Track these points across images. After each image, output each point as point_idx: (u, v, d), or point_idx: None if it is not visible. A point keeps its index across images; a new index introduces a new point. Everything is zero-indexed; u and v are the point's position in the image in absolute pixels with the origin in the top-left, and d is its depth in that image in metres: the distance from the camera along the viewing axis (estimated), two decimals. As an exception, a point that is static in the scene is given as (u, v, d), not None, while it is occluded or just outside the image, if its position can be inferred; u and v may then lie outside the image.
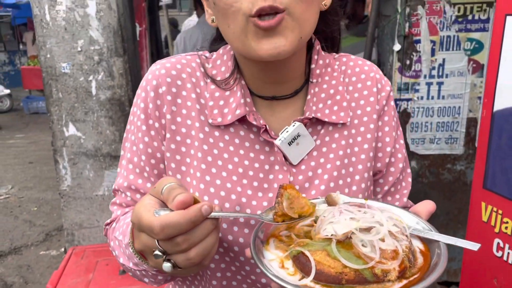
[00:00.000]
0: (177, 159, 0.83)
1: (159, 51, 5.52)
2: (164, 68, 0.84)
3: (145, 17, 4.27)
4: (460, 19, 2.49)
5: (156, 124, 0.84)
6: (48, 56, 2.76)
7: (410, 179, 0.96)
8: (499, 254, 1.49)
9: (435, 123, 2.67)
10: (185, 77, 0.85)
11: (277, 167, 0.83)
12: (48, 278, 3.16)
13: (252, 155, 0.83)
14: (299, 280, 0.59)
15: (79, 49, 2.74)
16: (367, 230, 0.61)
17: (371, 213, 0.64)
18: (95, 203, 3.03)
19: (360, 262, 0.57)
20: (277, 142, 0.81)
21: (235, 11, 0.71)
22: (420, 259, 0.62)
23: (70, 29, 2.71)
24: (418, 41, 2.54)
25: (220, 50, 0.90)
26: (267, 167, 0.83)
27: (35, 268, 3.69)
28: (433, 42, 2.53)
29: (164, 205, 0.62)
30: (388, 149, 0.90)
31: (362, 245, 0.59)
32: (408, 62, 2.58)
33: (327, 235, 0.61)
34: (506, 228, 1.46)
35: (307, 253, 0.59)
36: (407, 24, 2.52)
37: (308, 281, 0.58)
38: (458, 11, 2.47)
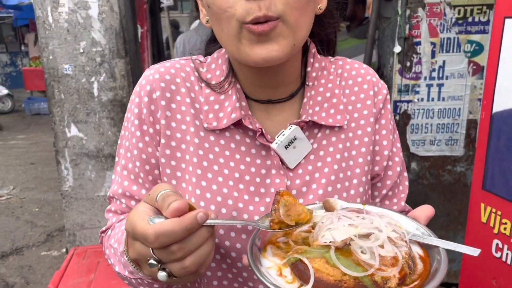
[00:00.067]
0: (172, 165, 0.82)
1: (160, 53, 5.53)
2: (158, 73, 0.83)
3: (146, 19, 4.28)
4: (460, 21, 2.50)
5: (150, 130, 0.82)
6: (51, 57, 2.78)
7: (407, 183, 0.95)
8: (498, 254, 1.50)
9: (435, 124, 2.68)
10: (179, 82, 0.84)
11: (273, 171, 0.82)
12: (49, 278, 3.18)
13: (248, 159, 0.82)
14: None
15: (81, 50, 2.76)
16: (366, 236, 0.60)
17: (369, 219, 0.63)
18: (96, 204, 3.04)
19: (360, 269, 0.56)
20: (273, 145, 0.80)
21: (229, 16, 0.70)
22: (420, 265, 0.61)
23: (73, 30, 2.73)
24: (419, 43, 2.55)
25: (215, 54, 0.89)
26: (263, 171, 0.82)
27: (37, 269, 3.70)
28: (433, 44, 2.54)
29: (159, 212, 0.61)
30: (386, 152, 0.90)
31: (362, 252, 0.58)
32: (408, 64, 2.59)
33: (325, 242, 0.60)
34: (504, 229, 1.47)
35: (306, 260, 0.58)
36: (407, 26, 2.53)
37: None
38: (458, 13, 2.49)
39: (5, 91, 10.21)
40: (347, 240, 0.59)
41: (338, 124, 0.84)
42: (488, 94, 1.49)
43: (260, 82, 0.83)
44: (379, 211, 0.71)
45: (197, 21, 4.06)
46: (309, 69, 0.86)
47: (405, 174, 0.95)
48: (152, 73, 0.84)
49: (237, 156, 0.82)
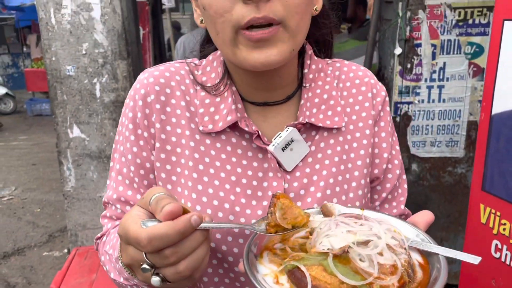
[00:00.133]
0: (167, 169, 0.81)
1: (162, 54, 5.56)
2: (152, 76, 0.82)
3: (148, 21, 4.31)
4: (460, 23, 2.51)
5: (145, 134, 0.81)
6: (53, 59, 2.79)
7: (406, 186, 0.94)
8: (497, 255, 1.51)
9: (435, 126, 2.69)
10: (174, 85, 0.82)
11: (271, 174, 0.80)
12: (51, 279, 3.19)
13: (245, 162, 0.80)
14: None
15: (84, 52, 2.78)
16: (365, 243, 0.59)
17: (368, 225, 0.62)
18: (98, 204, 3.05)
19: (358, 277, 0.55)
20: (270, 148, 0.79)
21: (224, 22, 0.69)
22: (419, 273, 0.59)
23: (75, 32, 2.75)
24: (419, 45, 2.56)
25: (210, 57, 0.87)
26: (260, 174, 0.81)
27: (38, 269, 3.71)
28: (433, 46, 2.55)
29: (152, 216, 0.59)
30: (385, 155, 0.88)
31: (360, 259, 0.56)
32: (409, 65, 2.60)
33: (323, 249, 0.59)
34: (504, 229, 1.48)
35: (303, 268, 0.56)
36: (408, 28, 2.54)
37: None
38: (459, 15, 2.50)
39: (3, 90, 10.18)
40: (346, 247, 0.58)
41: (336, 126, 0.83)
42: (487, 95, 1.50)
43: (256, 85, 0.82)
44: (378, 217, 0.69)
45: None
46: (306, 70, 0.85)
47: (404, 177, 0.94)
48: (147, 76, 0.82)
49: (234, 159, 0.80)
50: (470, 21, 2.50)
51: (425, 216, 0.69)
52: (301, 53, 0.86)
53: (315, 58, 0.88)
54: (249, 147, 0.81)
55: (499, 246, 1.50)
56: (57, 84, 2.84)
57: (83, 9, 2.70)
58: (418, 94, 2.64)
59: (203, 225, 0.58)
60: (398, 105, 2.67)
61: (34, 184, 5.67)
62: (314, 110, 0.83)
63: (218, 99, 0.81)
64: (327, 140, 0.84)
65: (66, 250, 3.86)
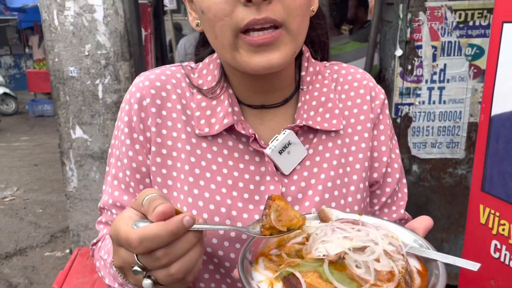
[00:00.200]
0: (163, 173, 0.79)
1: (163, 55, 5.58)
2: (148, 80, 0.81)
3: (150, 22, 4.32)
4: (461, 25, 2.52)
5: (141, 138, 0.80)
6: (56, 60, 2.81)
7: (406, 190, 0.93)
8: (497, 255, 1.52)
9: (436, 127, 2.70)
10: (170, 88, 0.81)
11: (268, 178, 0.79)
12: (52, 279, 3.20)
13: (241, 166, 0.79)
14: None
15: (87, 53, 2.80)
16: (361, 249, 0.57)
17: (365, 231, 0.61)
18: (100, 205, 3.07)
19: (354, 285, 0.53)
20: (267, 151, 0.77)
21: (223, 25, 0.67)
22: (417, 280, 0.58)
23: (78, 33, 2.76)
24: (420, 47, 2.57)
25: (206, 59, 0.86)
26: (257, 178, 0.79)
27: (40, 269, 3.73)
28: (434, 47, 2.56)
29: (145, 217, 0.58)
30: (385, 159, 0.87)
31: (356, 266, 0.55)
32: (409, 67, 2.61)
33: (319, 255, 0.58)
34: (503, 230, 1.49)
35: (298, 274, 0.55)
36: (408, 30, 2.55)
37: None
38: (459, 17, 2.51)
39: (2, 90, 10.17)
40: (341, 253, 0.56)
41: (334, 129, 0.81)
42: (487, 97, 1.51)
43: (254, 88, 0.81)
44: (375, 222, 0.68)
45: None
46: (303, 73, 0.84)
47: (404, 181, 0.93)
48: (142, 80, 0.81)
49: (230, 163, 0.79)
50: (471, 23, 2.51)
51: (424, 222, 0.68)
52: (299, 55, 0.85)
53: (313, 60, 0.87)
54: (246, 151, 0.80)
55: (499, 246, 1.51)
56: (60, 85, 2.86)
57: (86, 11, 2.72)
58: (418, 95, 2.65)
59: (195, 226, 0.56)
60: (399, 107, 2.68)
61: (36, 184, 5.69)
62: (312, 113, 0.82)
63: (214, 102, 0.80)
64: (325, 143, 0.82)
65: (68, 250, 3.87)
